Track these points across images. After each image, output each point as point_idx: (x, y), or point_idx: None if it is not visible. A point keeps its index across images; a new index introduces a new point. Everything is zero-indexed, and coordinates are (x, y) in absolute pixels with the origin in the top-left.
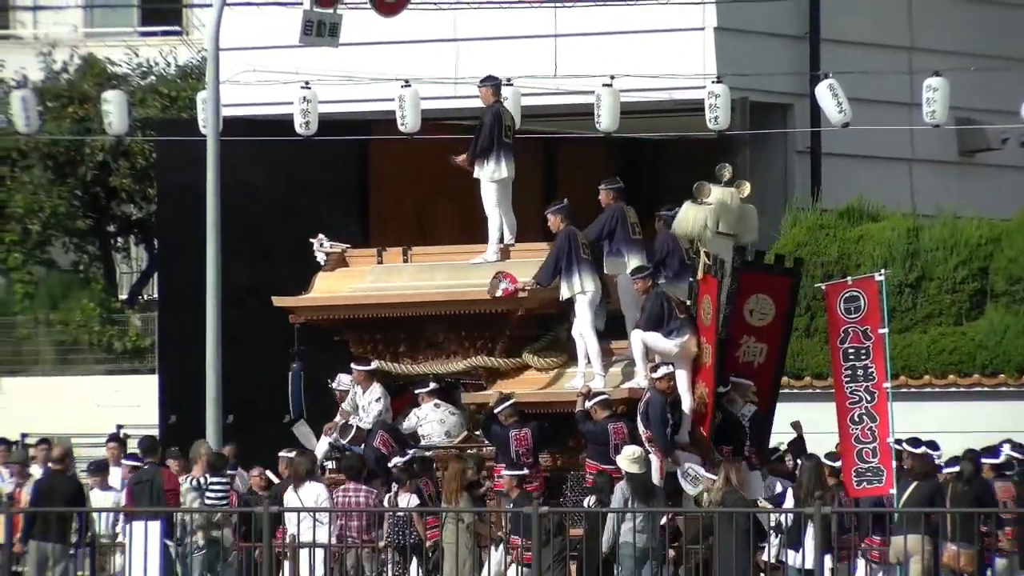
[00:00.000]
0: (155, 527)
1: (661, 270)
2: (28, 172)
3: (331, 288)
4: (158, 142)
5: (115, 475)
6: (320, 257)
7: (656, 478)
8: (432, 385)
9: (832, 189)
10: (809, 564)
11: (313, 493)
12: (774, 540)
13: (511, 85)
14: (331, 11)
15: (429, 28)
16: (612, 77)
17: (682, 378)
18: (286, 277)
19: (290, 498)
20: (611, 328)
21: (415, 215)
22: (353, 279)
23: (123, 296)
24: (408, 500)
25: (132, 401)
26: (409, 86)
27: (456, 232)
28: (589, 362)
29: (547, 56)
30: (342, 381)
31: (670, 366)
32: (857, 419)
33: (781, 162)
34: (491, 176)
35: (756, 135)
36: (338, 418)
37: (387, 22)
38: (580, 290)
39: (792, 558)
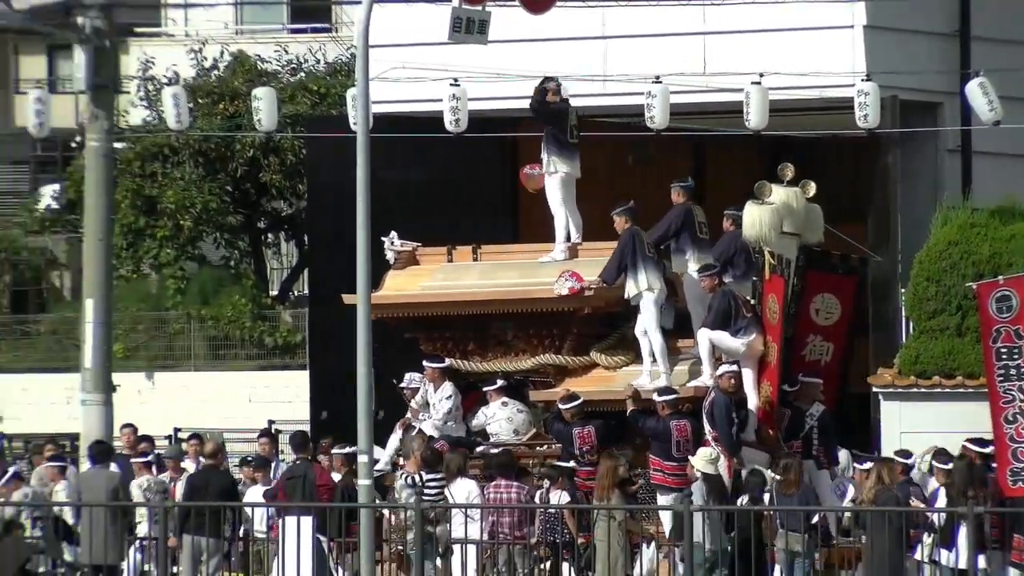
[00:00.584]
0: (307, 522)
1: (728, 269)
2: (179, 168)
3: (401, 286)
4: (308, 139)
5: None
6: (390, 256)
7: (724, 477)
8: (500, 383)
9: (983, 188)
10: (963, 564)
11: (465, 489)
12: (927, 540)
13: (659, 83)
14: (480, 8)
15: (577, 25)
16: (761, 75)
17: (748, 377)
18: None
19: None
20: (678, 326)
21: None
22: (423, 277)
23: (273, 292)
24: (559, 497)
25: (283, 396)
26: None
27: (605, 230)
28: (655, 360)
29: (696, 53)
30: (412, 379)
31: (734, 365)
32: (1011, 418)
33: (931, 161)
34: (554, 174)
35: (906, 134)
36: (408, 415)
37: (536, 19)
38: (646, 288)
39: (945, 557)
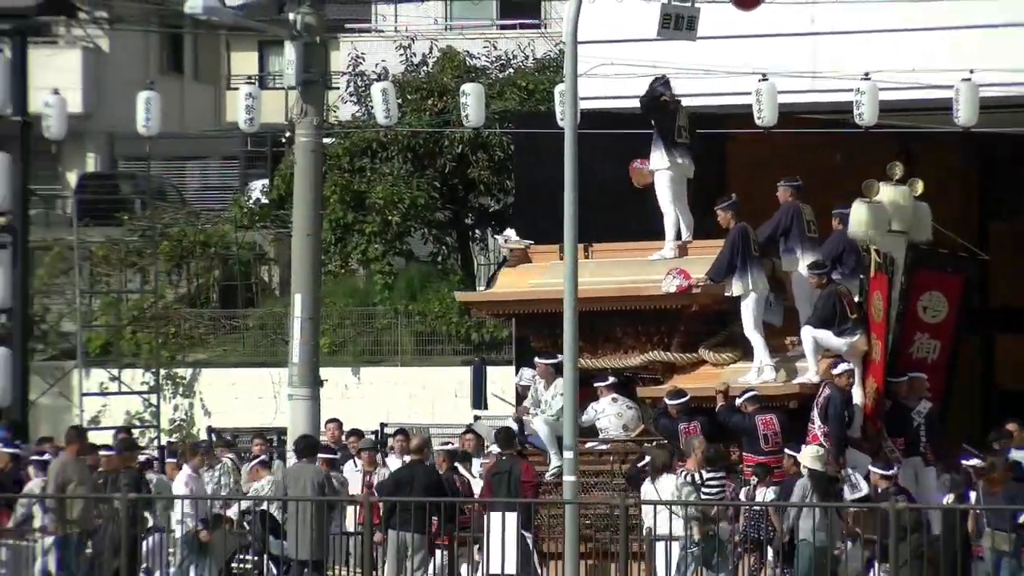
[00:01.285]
0: (512, 518)
1: (837, 267)
2: (388, 164)
3: (512, 284)
4: (516, 134)
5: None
6: (505, 253)
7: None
8: (611, 379)
9: None
10: None
11: (670, 485)
12: None
13: (868, 79)
14: (689, 4)
15: (786, 21)
16: (971, 71)
17: (854, 375)
18: None
19: (647, 490)
20: (787, 324)
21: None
22: (534, 275)
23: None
24: (764, 495)
25: (488, 392)
26: (766, 80)
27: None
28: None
29: (904, 50)
30: (524, 376)
31: (849, 363)
32: None
33: None
34: (664, 172)
35: None
36: (517, 411)
37: (744, 15)
38: (751, 287)
39: None
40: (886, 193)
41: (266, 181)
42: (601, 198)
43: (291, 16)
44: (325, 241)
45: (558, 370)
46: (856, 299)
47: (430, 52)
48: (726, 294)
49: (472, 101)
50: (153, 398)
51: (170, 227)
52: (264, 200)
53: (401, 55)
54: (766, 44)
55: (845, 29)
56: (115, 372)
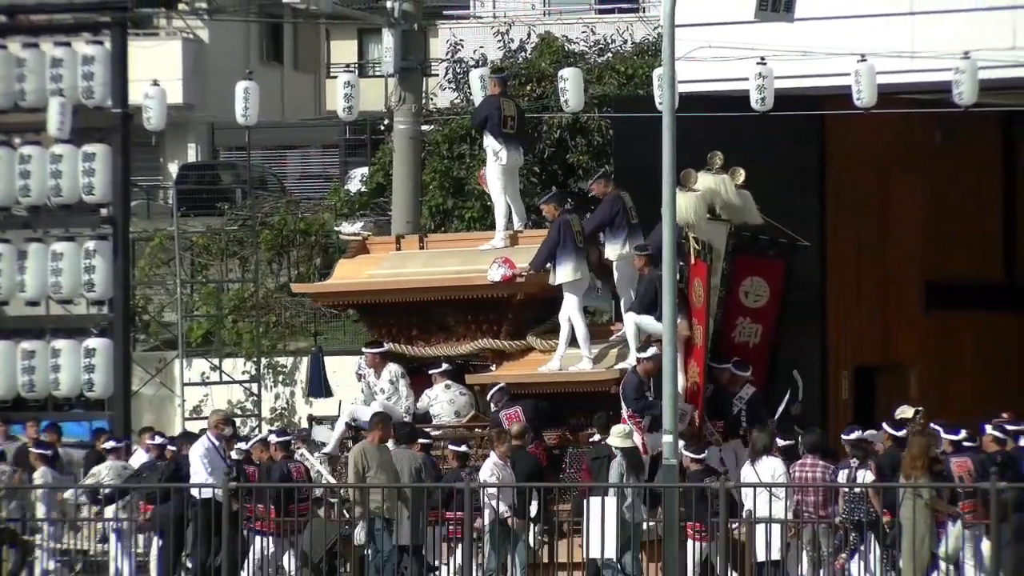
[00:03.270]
0: (611, 503)
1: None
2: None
3: (349, 275)
4: (615, 119)
5: None
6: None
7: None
8: (444, 367)
9: None
10: None
11: (770, 468)
12: None
13: (968, 58)
14: None
15: (885, 2)
16: None
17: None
18: None
19: (747, 473)
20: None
21: (874, 192)
22: (371, 265)
23: None
24: (864, 476)
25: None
26: (865, 60)
27: (920, 209)
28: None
29: (1005, 28)
30: (362, 365)
31: (655, 348)
32: None
33: None
34: (494, 163)
35: None
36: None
37: None
38: (570, 277)
39: None
40: (704, 181)
41: (366, 169)
42: None
43: (389, 4)
44: (425, 227)
45: (385, 358)
46: (680, 285)
47: (528, 38)
48: (553, 283)
49: (571, 86)
50: (254, 387)
51: (270, 216)
52: (364, 188)
53: (499, 41)
54: (864, 24)
55: (943, 8)
56: (216, 362)
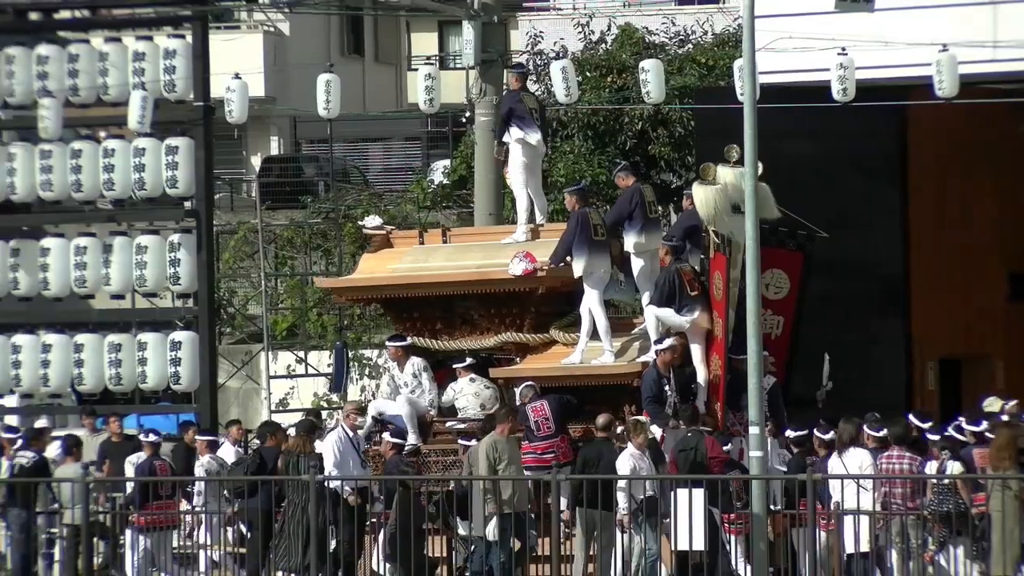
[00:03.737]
0: (699, 494)
1: (686, 244)
2: (568, 142)
3: (372, 269)
4: (696, 110)
5: None
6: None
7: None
8: (468, 360)
9: None
10: None
11: (857, 459)
12: None
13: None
14: None
15: None
16: None
17: (696, 352)
18: (825, 249)
19: (834, 464)
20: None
21: (956, 182)
22: (394, 260)
23: None
24: (952, 468)
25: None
26: (946, 50)
27: (1003, 200)
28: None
29: None
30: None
31: (672, 339)
32: None
33: None
34: (517, 156)
35: None
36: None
37: None
38: (582, 270)
39: None
40: (721, 175)
41: (447, 161)
42: (780, 173)
43: None
44: (507, 219)
45: (408, 351)
46: (701, 277)
47: (608, 29)
48: (575, 277)
49: (652, 77)
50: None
51: (353, 209)
52: (446, 180)
53: (579, 33)
54: (945, 14)
55: None
56: (301, 354)
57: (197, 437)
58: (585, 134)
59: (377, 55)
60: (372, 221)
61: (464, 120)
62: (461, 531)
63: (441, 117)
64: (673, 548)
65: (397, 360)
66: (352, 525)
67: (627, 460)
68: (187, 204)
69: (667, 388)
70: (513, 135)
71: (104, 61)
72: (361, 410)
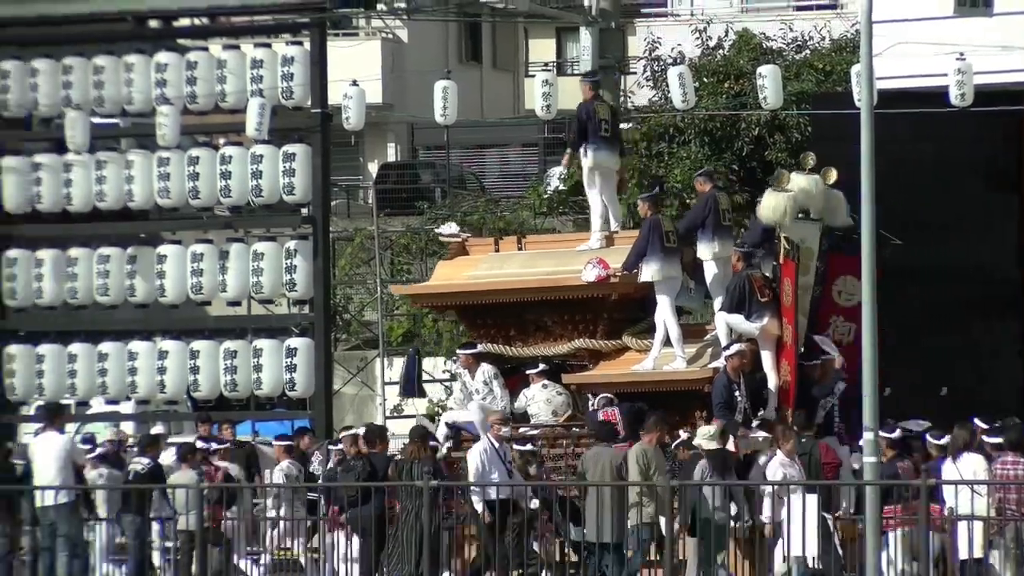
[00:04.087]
0: (812, 500)
1: (758, 251)
2: (685, 148)
3: (449, 276)
4: (813, 116)
5: None
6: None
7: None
8: (541, 367)
9: None
10: None
11: (971, 465)
12: None
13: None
14: None
15: None
16: None
17: (767, 358)
18: (941, 253)
19: (948, 470)
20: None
21: None
22: (469, 267)
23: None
24: None
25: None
26: None
27: None
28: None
29: None
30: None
31: (742, 344)
32: None
33: None
34: (588, 165)
35: None
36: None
37: None
38: (652, 277)
39: None
40: (796, 182)
41: (564, 168)
42: (898, 178)
43: (587, 2)
44: (625, 226)
45: (479, 358)
46: (772, 284)
47: (726, 35)
48: (643, 282)
49: (769, 83)
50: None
51: (470, 215)
52: (562, 186)
53: (697, 38)
54: None
55: None
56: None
57: (274, 442)
58: (702, 140)
59: (495, 61)
60: (448, 228)
61: None
62: (573, 536)
63: (558, 123)
64: (786, 555)
65: (468, 367)
66: (489, 537)
67: (776, 468)
68: (304, 211)
69: (737, 394)
70: (584, 150)
71: (222, 68)
72: (505, 420)
